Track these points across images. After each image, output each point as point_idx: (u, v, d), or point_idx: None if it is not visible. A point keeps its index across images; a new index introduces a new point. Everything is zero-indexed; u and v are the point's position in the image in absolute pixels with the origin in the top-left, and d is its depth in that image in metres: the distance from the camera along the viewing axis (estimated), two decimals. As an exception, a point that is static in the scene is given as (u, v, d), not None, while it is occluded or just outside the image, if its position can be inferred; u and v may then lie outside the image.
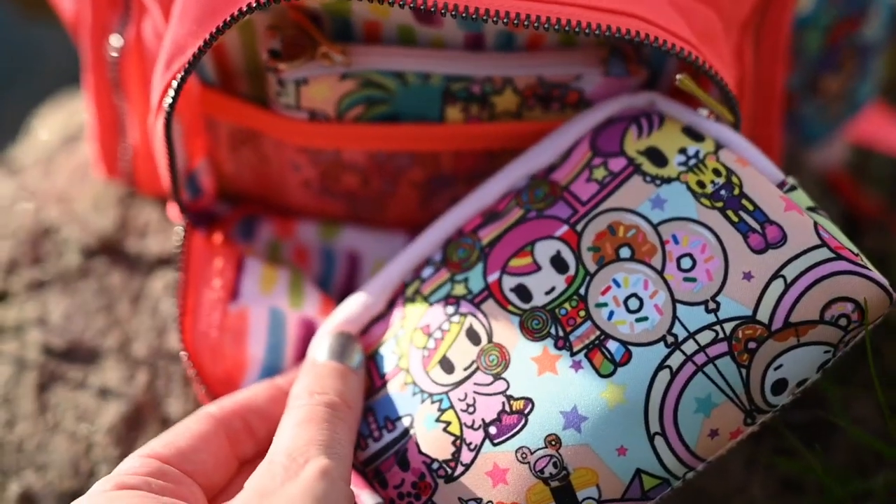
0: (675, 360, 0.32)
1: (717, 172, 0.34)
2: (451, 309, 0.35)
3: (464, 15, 0.32)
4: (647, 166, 0.35)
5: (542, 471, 0.32)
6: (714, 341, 0.32)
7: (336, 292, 0.44)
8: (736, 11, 0.38)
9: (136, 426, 0.43)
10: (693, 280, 0.33)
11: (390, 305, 0.38)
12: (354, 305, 0.37)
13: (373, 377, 0.37)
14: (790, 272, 0.32)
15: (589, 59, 0.37)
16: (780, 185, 0.34)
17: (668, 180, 0.34)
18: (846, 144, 0.61)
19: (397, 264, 0.38)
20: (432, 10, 0.32)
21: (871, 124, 0.60)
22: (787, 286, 0.32)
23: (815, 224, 0.32)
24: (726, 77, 0.35)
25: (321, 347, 0.36)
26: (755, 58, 0.42)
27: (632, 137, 0.35)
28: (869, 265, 0.32)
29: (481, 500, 0.33)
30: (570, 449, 0.32)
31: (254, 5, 0.32)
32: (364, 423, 0.36)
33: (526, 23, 0.32)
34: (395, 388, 0.36)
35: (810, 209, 0.34)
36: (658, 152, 0.35)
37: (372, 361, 0.37)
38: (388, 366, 0.36)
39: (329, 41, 0.35)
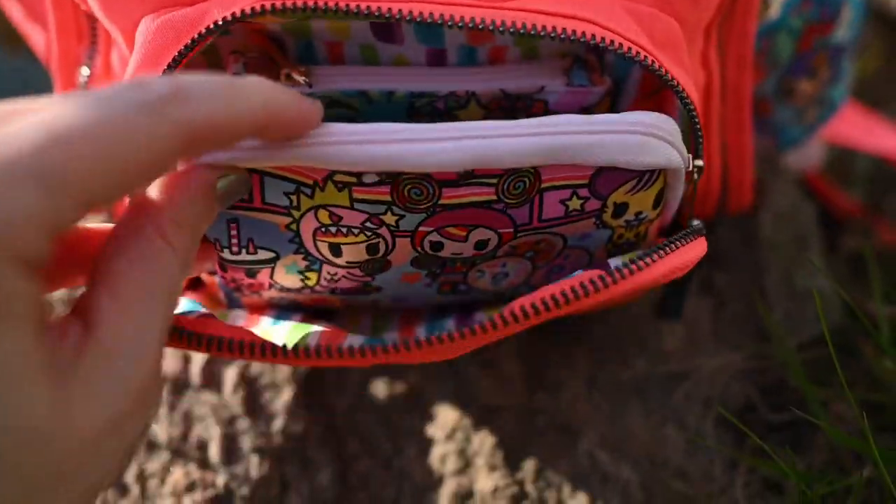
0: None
1: (637, 236, 0.37)
2: (370, 225, 0.34)
3: (421, 21, 0.32)
4: (607, 215, 0.35)
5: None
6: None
7: None
8: (697, 16, 0.38)
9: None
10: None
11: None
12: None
13: (253, 194, 0.33)
14: None
15: (551, 70, 0.37)
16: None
17: (607, 226, 0.36)
18: (824, 145, 0.61)
19: (342, 151, 0.31)
20: (388, 17, 0.32)
21: (848, 124, 0.60)
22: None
23: None
24: (685, 84, 0.35)
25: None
26: (722, 65, 0.42)
27: (623, 189, 0.34)
28: None
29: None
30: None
31: (212, 27, 0.32)
32: (224, 233, 0.34)
33: (481, 26, 0.32)
34: (274, 221, 0.34)
35: None
36: (625, 208, 0.35)
37: (259, 180, 0.33)
38: (275, 199, 0.33)
39: (291, 63, 0.36)
